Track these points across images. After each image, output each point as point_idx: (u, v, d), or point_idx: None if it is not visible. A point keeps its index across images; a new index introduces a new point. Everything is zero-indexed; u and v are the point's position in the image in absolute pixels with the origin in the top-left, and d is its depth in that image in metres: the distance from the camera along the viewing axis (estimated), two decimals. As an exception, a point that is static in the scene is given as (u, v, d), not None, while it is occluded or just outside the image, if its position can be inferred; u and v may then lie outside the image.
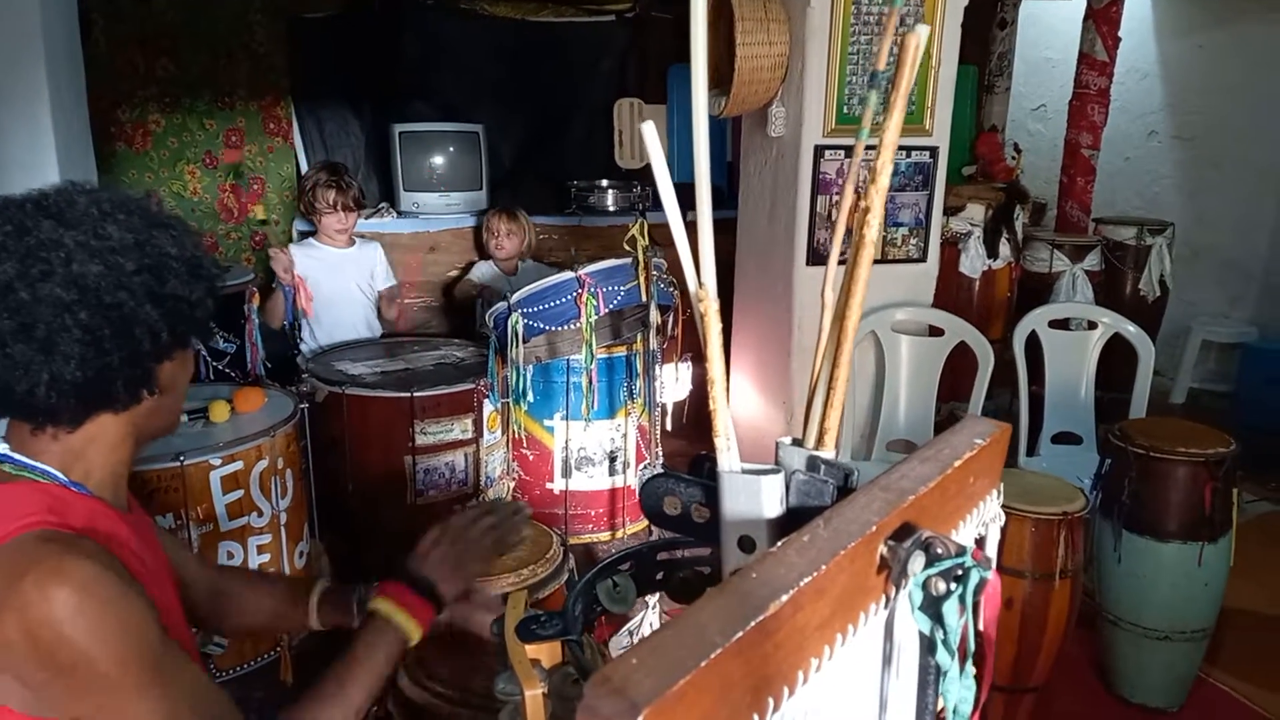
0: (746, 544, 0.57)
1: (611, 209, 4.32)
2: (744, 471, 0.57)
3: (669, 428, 3.22)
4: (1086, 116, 4.71)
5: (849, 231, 2.63)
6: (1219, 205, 5.20)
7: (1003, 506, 0.73)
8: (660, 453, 2.72)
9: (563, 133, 4.70)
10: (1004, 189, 3.91)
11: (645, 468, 2.60)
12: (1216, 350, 5.08)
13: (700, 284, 0.58)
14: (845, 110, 3.02)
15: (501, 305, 2.68)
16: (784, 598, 0.47)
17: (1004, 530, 0.71)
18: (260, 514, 2.30)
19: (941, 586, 0.56)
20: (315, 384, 2.69)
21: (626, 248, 2.56)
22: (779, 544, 0.52)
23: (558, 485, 3.13)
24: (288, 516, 2.39)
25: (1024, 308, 3.38)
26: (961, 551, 0.55)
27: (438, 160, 4.11)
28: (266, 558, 2.33)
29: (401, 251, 3.95)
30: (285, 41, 4.17)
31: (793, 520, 0.56)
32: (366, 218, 3.83)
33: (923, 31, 0.59)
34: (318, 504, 2.68)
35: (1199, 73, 5.33)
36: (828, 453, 0.60)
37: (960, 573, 0.55)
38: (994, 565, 0.55)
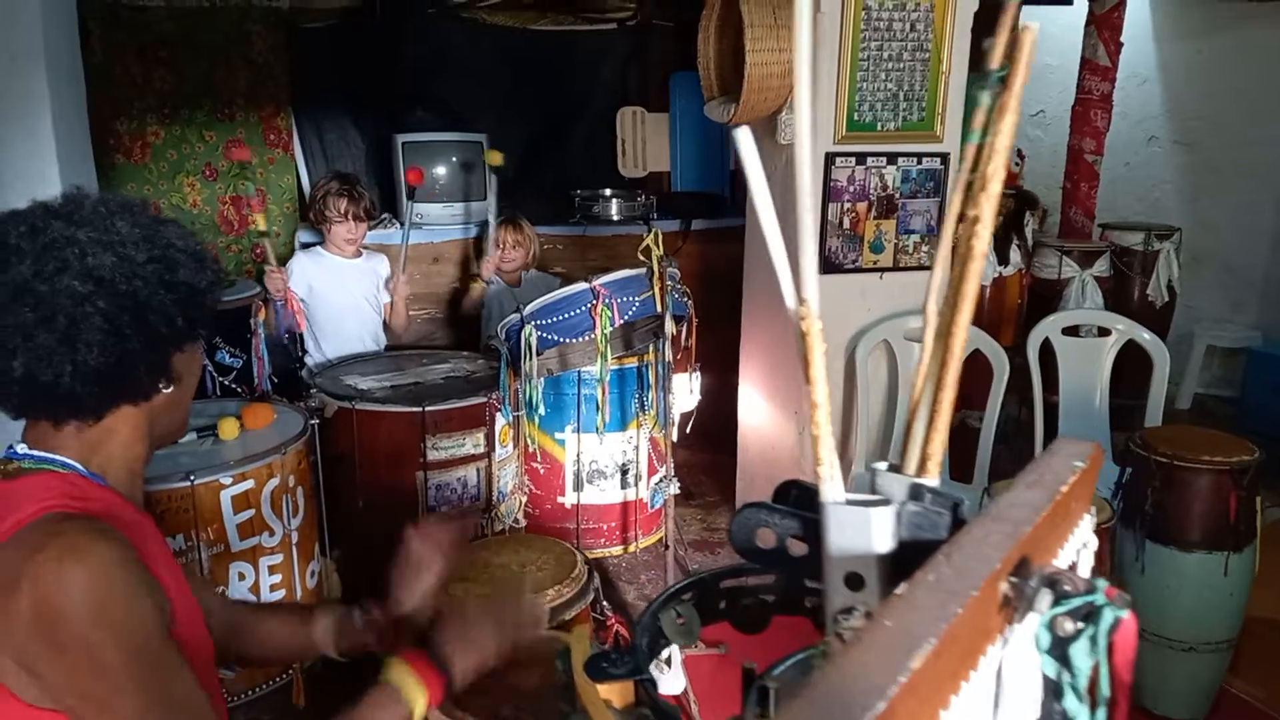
0: (854, 581, 0.53)
1: (616, 218, 4.28)
2: (851, 502, 0.54)
3: (674, 439, 3.18)
4: (1089, 122, 4.70)
5: (859, 238, 2.58)
6: (1220, 210, 5.20)
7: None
8: (673, 465, 2.68)
9: (565, 142, 4.67)
10: (1014, 195, 3.88)
11: (663, 481, 2.56)
12: (1220, 355, 5.07)
13: (801, 300, 0.54)
14: (856, 117, 2.99)
15: (514, 317, 2.64)
16: (929, 645, 0.43)
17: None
18: (272, 533, 2.25)
19: (1069, 627, 0.52)
20: (324, 399, 2.64)
21: (641, 258, 2.52)
22: (904, 585, 0.48)
23: (569, 499, 3.09)
24: (299, 535, 2.34)
25: (1033, 315, 3.36)
26: (1092, 589, 0.51)
27: (440, 170, 4.07)
28: (278, 578, 2.28)
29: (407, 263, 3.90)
30: (285, 51, 4.13)
31: (904, 555, 0.53)
32: (370, 228, 3.78)
33: (1035, 28, 0.55)
34: (327, 521, 2.63)
35: (1199, 78, 5.33)
36: (932, 480, 0.57)
37: (1090, 611, 0.52)
38: (1129, 603, 0.51)
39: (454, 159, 4.10)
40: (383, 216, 4.06)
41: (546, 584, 1.74)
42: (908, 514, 0.53)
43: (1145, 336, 3.10)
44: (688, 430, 3.24)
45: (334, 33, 4.24)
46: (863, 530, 0.52)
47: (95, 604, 0.90)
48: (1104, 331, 3.27)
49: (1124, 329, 3.16)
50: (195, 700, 0.98)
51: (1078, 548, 0.70)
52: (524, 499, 3.02)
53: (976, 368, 3.08)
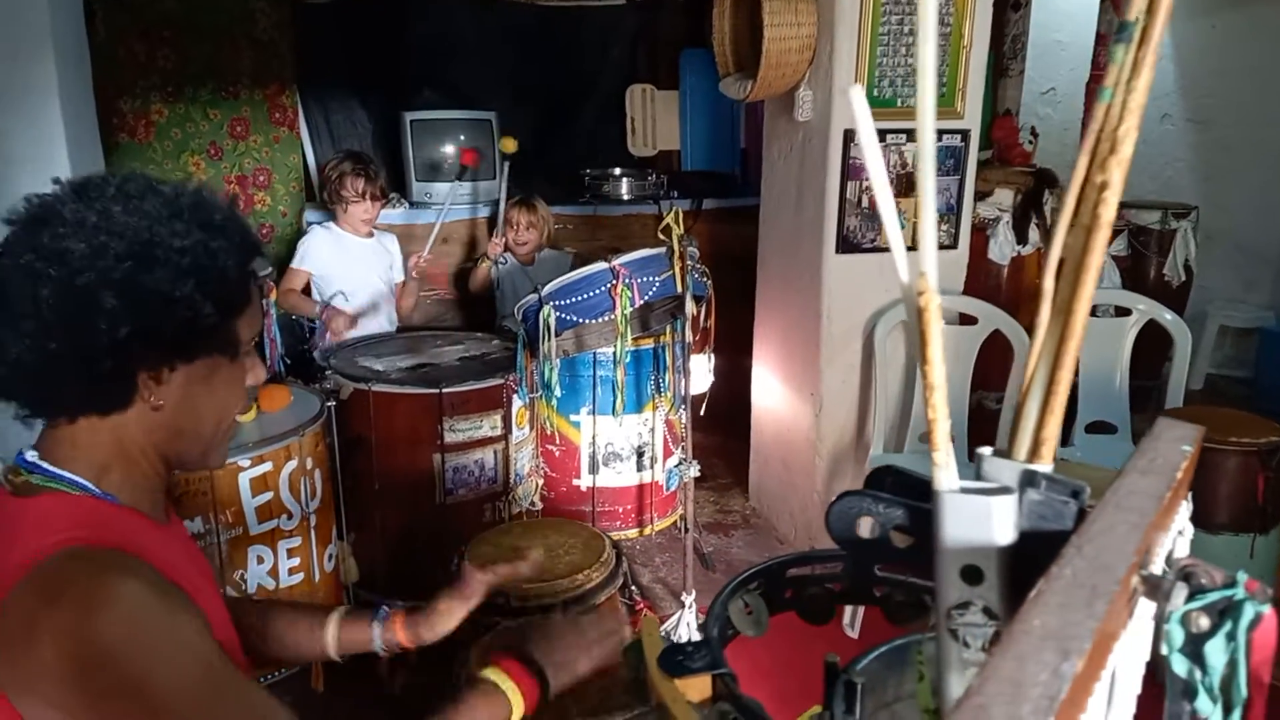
0: (971, 574, 0.50)
1: (626, 197, 4.23)
2: (969, 490, 0.51)
3: (691, 421, 3.15)
4: (1104, 99, 4.64)
5: (878, 217, 2.54)
6: (1234, 189, 5.15)
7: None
8: (689, 447, 2.65)
9: (574, 120, 4.61)
10: (1033, 173, 3.83)
11: (681, 464, 2.53)
12: (1233, 335, 5.04)
13: (921, 272, 0.50)
14: (876, 93, 2.94)
15: (532, 298, 2.60)
16: (1084, 649, 0.40)
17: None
18: (290, 516, 2.22)
19: (1204, 623, 0.49)
20: (340, 381, 2.61)
21: (661, 237, 2.48)
22: (1041, 582, 0.44)
23: (585, 481, 3.06)
24: (317, 518, 2.31)
25: (1053, 294, 3.31)
26: (1231, 582, 0.48)
27: (449, 149, 4.01)
28: (296, 561, 2.26)
29: (413, 243, 3.85)
30: (289, 29, 4.06)
31: (1024, 547, 0.50)
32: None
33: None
34: (343, 503, 2.60)
35: (1213, 55, 5.27)
36: (1045, 466, 0.53)
37: (1227, 606, 0.48)
38: (1270, 598, 0.48)
39: (462, 138, 4.05)
40: (391, 196, 4.00)
41: (574, 568, 1.71)
42: (1030, 503, 0.50)
43: (1167, 317, 3.06)
44: (701, 412, 3.21)
45: (339, 9, 4.16)
46: (982, 521, 0.49)
47: (143, 643, 0.84)
48: (1122, 311, 3.23)
49: (1145, 309, 3.12)
50: (267, 703, 0.94)
51: (1174, 535, 0.67)
52: (540, 482, 2.99)
53: (994, 348, 3.05)
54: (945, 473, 0.51)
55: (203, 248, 0.94)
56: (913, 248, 2.28)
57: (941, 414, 0.51)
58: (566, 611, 1.23)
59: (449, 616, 1.26)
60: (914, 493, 0.59)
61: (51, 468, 0.95)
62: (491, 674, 1.11)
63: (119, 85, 3.81)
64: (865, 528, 0.60)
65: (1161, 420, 0.66)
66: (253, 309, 1.04)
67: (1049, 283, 0.53)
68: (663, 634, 2.54)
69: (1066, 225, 0.53)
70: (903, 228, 2.33)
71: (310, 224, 3.70)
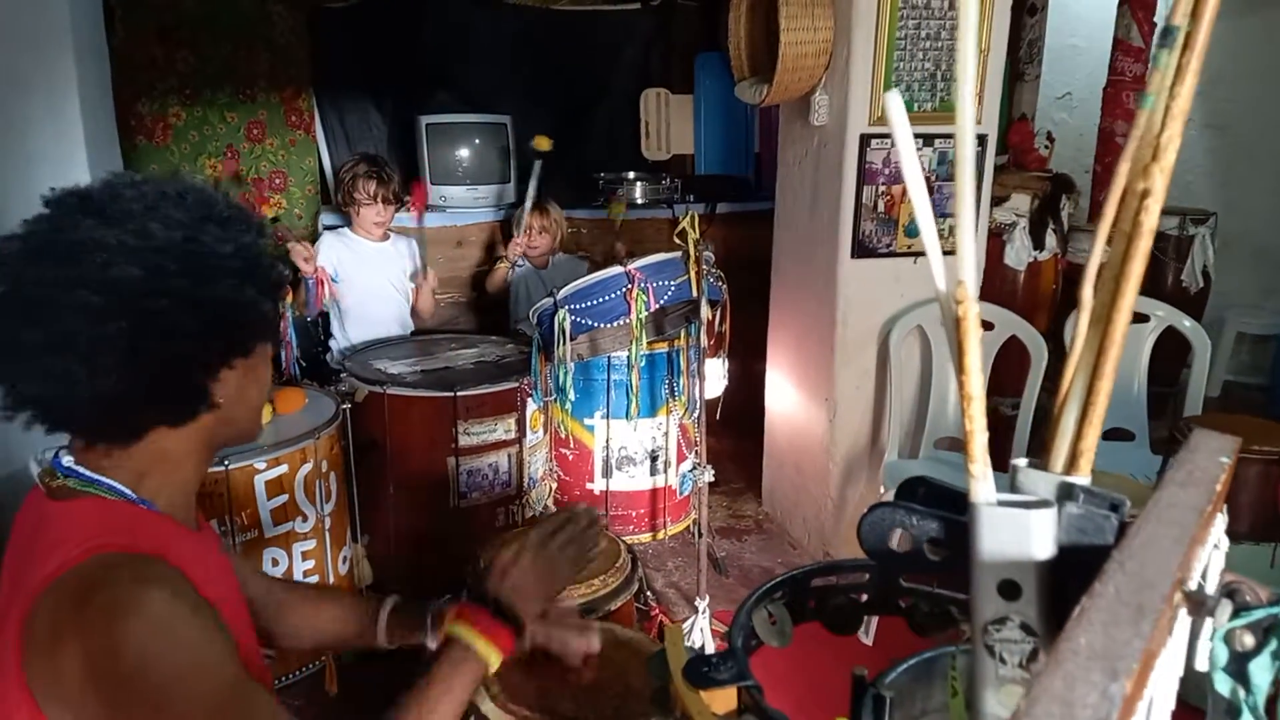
0: (1009, 589, 0.49)
1: (640, 201, 4.22)
2: (1006, 503, 0.50)
3: (705, 426, 3.14)
4: (1122, 104, 4.62)
5: (893, 222, 2.53)
6: (1252, 194, 5.11)
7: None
8: (703, 452, 2.64)
9: (588, 124, 4.61)
10: (1049, 178, 3.81)
11: (695, 469, 2.52)
12: (1250, 342, 5.00)
13: (960, 280, 0.50)
14: (893, 98, 2.93)
15: (547, 302, 2.60)
16: (1132, 669, 0.39)
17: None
18: (305, 519, 2.23)
19: (1249, 641, 0.48)
20: (355, 383, 2.61)
21: (677, 241, 2.48)
22: (1085, 599, 0.44)
23: (598, 485, 3.06)
24: (331, 521, 2.32)
25: (1067, 300, 3.30)
26: (1276, 600, 0.47)
27: (464, 153, 4.02)
28: (311, 564, 2.26)
29: (428, 246, 3.86)
30: (306, 32, 4.08)
31: (1064, 562, 0.49)
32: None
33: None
34: (358, 506, 2.60)
35: (1231, 59, 5.23)
36: (1082, 478, 0.52)
37: (1273, 624, 0.47)
38: (1318, 617, 0.47)
39: (477, 141, 4.05)
40: (406, 198, 4.01)
41: (590, 574, 1.71)
42: (1070, 517, 0.49)
43: (1186, 324, 3.04)
44: (716, 417, 3.20)
45: (355, 13, 4.18)
46: (1020, 534, 0.48)
47: (165, 656, 0.83)
48: (1139, 317, 3.21)
49: (1164, 315, 3.10)
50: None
51: (1211, 549, 0.66)
52: (554, 485, 2.99)
53: (1008, 353, 3.03)
54: (983, 485, 0.50)
55: (243, 246, 0.95)
56: (925, 253, 2.24)
57: (979, 425, 0.50)
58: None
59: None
60: (947, 504, 0.58)
61: (89, 473, 0.95)
62: (457, 631, 1.08)
63: (137, 87, 3.83)
64: (898, 540, 0.59)
65: (1197, 431, 0.65)
66: (286, 288, 1.09)
67: (1088, 292, 0.53)
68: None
69: (1106, 233, 0.52)
70: (917, 234, 2.31)
71: (325, 227, 3.71)
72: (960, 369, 0.50)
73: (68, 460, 0.96)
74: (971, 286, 0.49)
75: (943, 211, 3.08)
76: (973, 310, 0.50)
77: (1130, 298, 0.51)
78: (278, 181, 4.16)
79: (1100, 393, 0.52)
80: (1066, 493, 0.52)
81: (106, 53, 2.94)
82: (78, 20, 2.46)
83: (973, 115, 0.52)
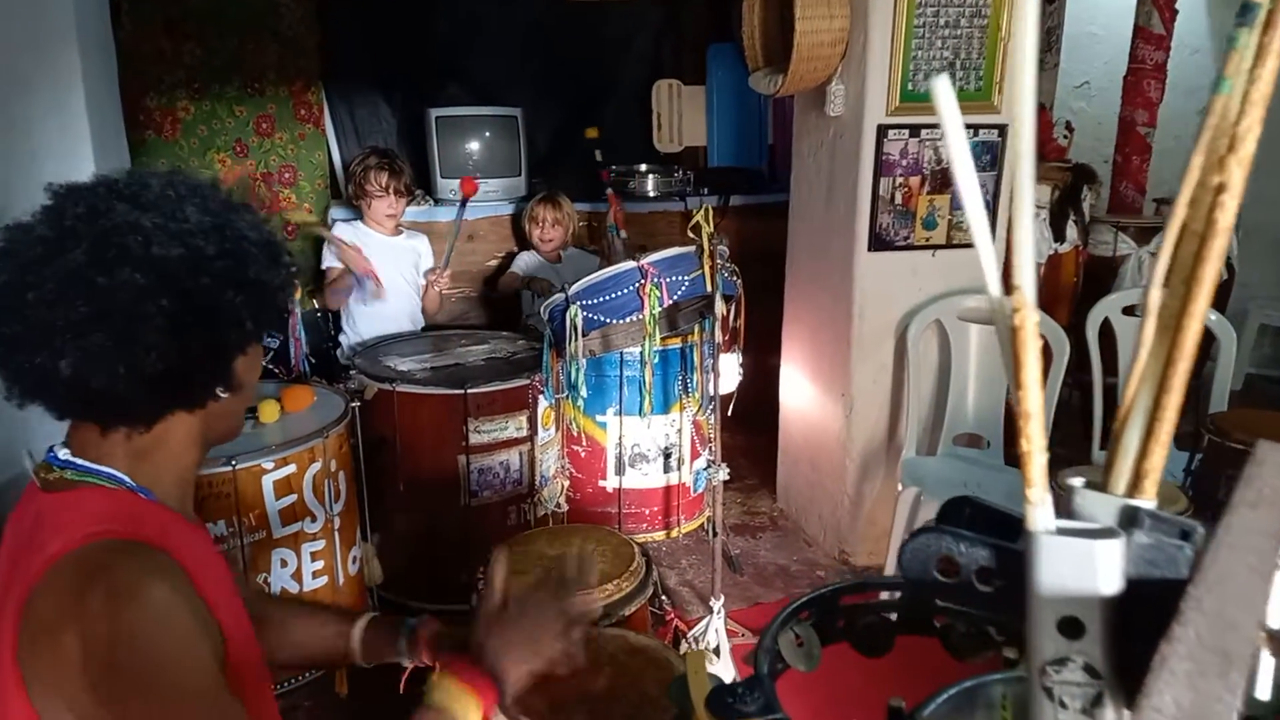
0: (1070, 627, 0.44)
1: (652, 194, 4.18)
2: (1066, 531, 0.45)
3: (719, 422, 3.10)
4: (1142, 93, 4.53)
5: (910, 214, 2.47)
6: (1274, 185, 4.99)
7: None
8: (717, 449, 2.59)
9: (599, 116, 4.55)
10: (1070, 169, 3.74)
11: (710, 466, 2.48)
12: (1272, 335, 4.91)
13: (1016, 285, 0.45)
14: (910, 87, 2.87)
15: (559, 297, 2.55)
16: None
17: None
18: (314, 519, 2.20)
19: (1340, 685, 0.43)
20: (364, 381, 2.58)
21: (690, 235, 2.43)
22: (1163, 647, 0.39)
23: (611, 483, 3.02)
24: (341, 521, 2.29)
25: (1088, 293, 3.23)
26: (1371, 641, 0.42)
27: (474, 146, 3.97)
28: (320, 564, 2.23)
29: (439, 241, 3.83)
30: (315, 25, 4.03)
31: (1131, 597, 0.44)
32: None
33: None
34: (367, 505, 2.57)
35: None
36: (1148, 501, 0.48)
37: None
38: None
39: (487, 134, 4.01)
40: (416, 192, 3.97)
41: (604, 577, 1.66)
42: (1139, 547, 0.45)
43: (1211, 317, 2.97)
44: (729, 413, 3.16)
45: (363, 5, 4.14)
46: (1084, 566, 0.44)
47: (149, 652, 0.82)
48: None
49: (1188, 309, 3.03)
50: None
51: None
52: (566, 483, 2.95)
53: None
54: (1041, 511, 0.46)
55: (265, 231, 0.98)
56: (946, 246, 2.19)
57: (1037, 446, 0.46)
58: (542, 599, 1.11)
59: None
60: (996, 527, 0.54)
61: (86, 463, 0.94)
62: (441, 688, 1.01)
63: (145, 81, 3.80)
64: (943, 568, 0.54)
65: (1262, 444, 0.61)
66: None
67: (1155, 295, 0.48)
68: (692, 639, 2.49)
69: (1178, 231, 0.47)
70: (935, 226, 2.23)
71: (334, 220, 3.68)
72: (1017, 383, 0.46)
73: (64, 454, 0.95)
74: (1030, 292, 0.45)
75: (960, 203, 3.02)
76: (1031, 319, 0.45)
77: (1204, 303, 0.46)
78: (287, 176, 4.12)
79: (1168, 407, 0.47)
80: (1131, 518, 0.47)
81: (113, 47, 2.91)
82: (82, 14, 2.43)
83: (1032, 106, 0.47)
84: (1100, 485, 0.51)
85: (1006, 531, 0.53)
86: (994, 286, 0.50)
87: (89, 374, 0.86)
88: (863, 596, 0.77)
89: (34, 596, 0.84)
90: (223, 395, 0.98)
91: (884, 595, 0.76)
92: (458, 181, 3.86)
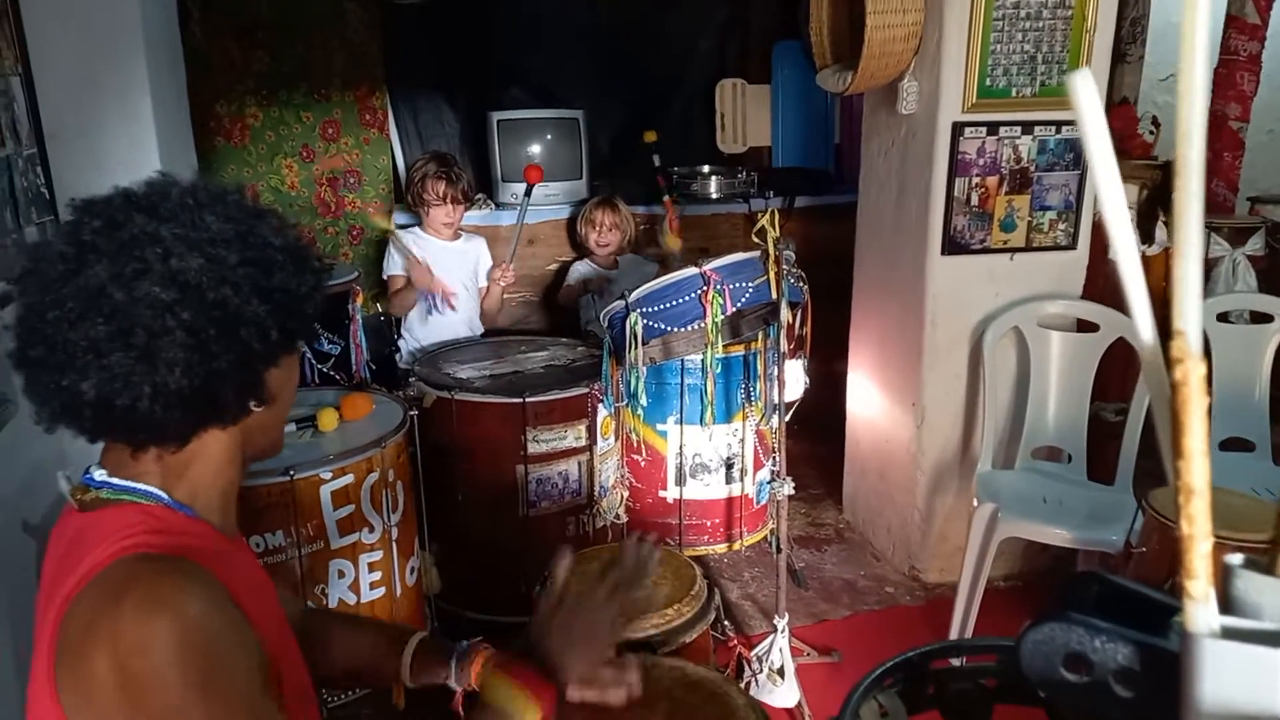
0: (1237, 751, 0.36)
1: (714, 196, 4.09)
2: (1233, 633, 0.37)
3: (784, 433, 3.00)
4: (1235, 85, 4.28)
5: (988, 216, 2.34)
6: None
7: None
8: (782, 461, 2.50)
9: (662, 117, 4.48)
10: (1159, 167, 3.54)
11: (774, 480, 2.39)
12: None
13: (1178, 330, 0.36)
14: (989, 83, 2.73)
15: (619, 304, 2.49)
16: None
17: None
18: (371, 529, 2.17)
19: None
20: (423, 388, 2.55)
21: (755, 240, 2.34)
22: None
23: (671, 494, 2.95)
24: (399, 531, 2.26)
25: (1180, 298, 3.03)
26: None
27: (536, 149, 3.94)
28: (378, 575, 2.21)
29: (500, 245, 3.81)
30: (380, 30, 4.05)
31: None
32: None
33: None
34: (425, 513, 2.55)
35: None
36: (1327, 591, 0.39)
37: None
38: None
39: (549, 136, 3.97)
40: (478, 197, 3.96)
41: (665, 601, 1.59)
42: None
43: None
44: (794, 419, 3.06)
45: (428, 9, 4.14)
46: (1259, 680, 0.35)
47: (186, 665, 0.78)
48: (1260, 317, 2.95)
49: (1290, 314, 2.83)
50: None
51: None
52: (625, 494, 2.89)
53: (1110, 356, 2.81)
54: (1203, 609, 0.37)
55: (295, 239, 0.95)
56: (1026, 249, 2.04)
57: (1200, 529, 0.37)
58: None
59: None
60: (1135, 614, 0.45)
61: (121, 481, 0.91)
62: (499, 689, 1.01)
63: (215, 89, 3.86)
64: (1073, 666, 0.45)
65: None
66: None
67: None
68: (755, 659, 2.40)
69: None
70: (1014, 228, 2.09)
71: (397, 226, 3.68)
72: (1178, 451, 0.37)
73: (99, 474, 0.92)
74: (1195, 339, 0.36)
75: (1042, 204, 2.87)
76: (1197, 373, 0.37)
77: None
78: (352, 180, 4.15)
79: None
80: (1304, 608, 0.38)
81: (181, 56, 2.94)
82: (149, 24, 2.44)
83: (1203, 109, 0.39)
84: (1268, 566, 0.42)
85: (1147, 618, 0.44)
86: (1145, 329, 0.41)
87: (113, 394, 0.83)
88: (955, 659, 0.68)
89: (69, 613, 0.82)
90: (256, 409, 0.94)
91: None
92: (520, 184, 3.85)
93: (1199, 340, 0.36)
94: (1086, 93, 0.40)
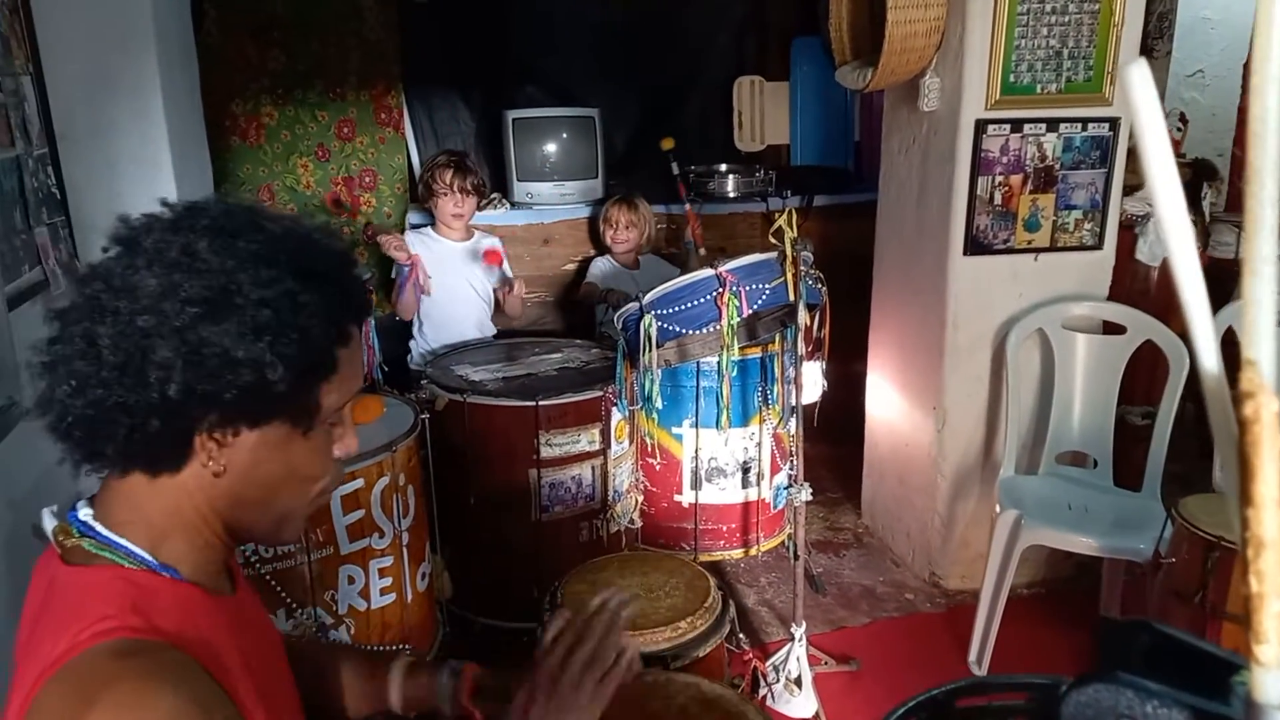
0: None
1: (732, 195, 4.04)
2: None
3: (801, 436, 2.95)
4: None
5: (1011, 215, 2.27)
6: None
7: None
8: (799, 466, 2.45)
9: (678, 114, 4.43)
10: (1189, 164, 3.46)
11: (791, 484, 2.34)
12: None
13: (1249, 360, 0.32)
14: (1012, 79, 2.67)
15: (633, 306, 2.45)
16: None
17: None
18: (382, 535, 2.14)
19: None
20: (435, 391, 2.52)
21: (772, 240, 2.29)
22: None
23: (687, 498, 2.90)
24: (409, 536, 2.23)
25: (1212, 300, 2.95)
26: None
27: (551, 148, 3.91)
28: (388, 581, 2.18)
29: (515, 244, 3.78)
30: (396, 28, 4.03)
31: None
32: (480, 208, 3.65)
33: None
34: (437, 517, 2.52)
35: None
36: None
37: None
38: None
39: (564, 135, 3.93)
40: (493, 196, 3.93)
41: (676, 614, 1.55)
42: None
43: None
44: (814, 423, 3.01)
45: (443, 7, 4.12)
46: (1340, 760, 0.31)
47: None
48: (1293, 319, 2.87)
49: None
50: None
51: None
52: (640, 498, 2.85)
53: (1137, 359, 2.74)
54: (1272, 678, 0.33)
55: (288, 300, 0.81)
56: (1050, 249, 1.96)
57: (1271, 586, 0.33)
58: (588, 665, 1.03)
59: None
60: (1187, 670, 0.40)
61: (105, 532, 0.84)
62: None
63: (231, 88, 3.85)
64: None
65: None
66: (344, 374, 0.89)
67: None
68: (772, 668, 2.35)
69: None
70: (1038, 228, 2.02)
71: (411, 226, 3.66)
72: (1246, 497, 0.33)
73: (85, 514, 0.86)
74: (1268, 369, 0.31)
75: (1067, 204, 2.80)
76: (1270, 409, 0.32)
77: None
78: (367, 180, 4.13)
79: None
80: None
81: (194, 54, 2.92)
82: (161, 22, 2.43)
83: (1278, 106, 0.34)
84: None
85: (1202, 674, 0.39)
86: (1209, 356, 0.36)
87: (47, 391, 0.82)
88: (983, 697, 0.63)
89: (37, 701, 0.76)
90: (195, 467, 0.85)
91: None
92: (535, 184, 3.82)
93: (1274, 372, 0.32)
94: (1142, 85, 0.36)
